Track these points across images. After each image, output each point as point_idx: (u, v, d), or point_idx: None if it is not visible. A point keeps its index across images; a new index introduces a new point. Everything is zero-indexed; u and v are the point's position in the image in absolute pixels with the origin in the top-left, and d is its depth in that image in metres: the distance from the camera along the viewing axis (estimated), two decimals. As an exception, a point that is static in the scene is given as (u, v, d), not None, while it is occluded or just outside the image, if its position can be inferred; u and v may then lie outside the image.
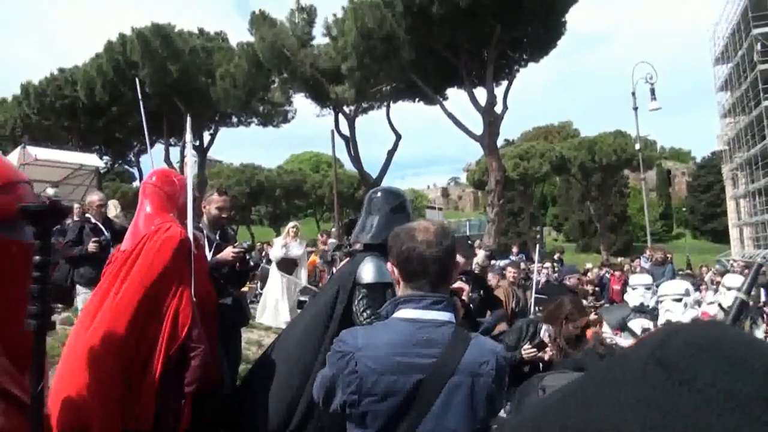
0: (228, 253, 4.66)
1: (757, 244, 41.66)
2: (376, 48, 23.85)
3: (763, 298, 14.19)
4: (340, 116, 31.07)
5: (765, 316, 12.87)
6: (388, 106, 31.67)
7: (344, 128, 31.04)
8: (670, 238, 67.96)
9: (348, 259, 4.30)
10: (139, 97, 5.41)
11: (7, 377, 1.62)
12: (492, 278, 8.62)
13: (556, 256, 20.28)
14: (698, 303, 5.86)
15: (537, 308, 8.78)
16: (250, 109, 34.27)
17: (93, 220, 7.72)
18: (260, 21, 28.83)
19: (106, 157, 38.90)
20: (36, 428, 1.61)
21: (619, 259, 25.59)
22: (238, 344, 5.15)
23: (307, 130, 51.16)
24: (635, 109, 22.39)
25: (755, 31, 37.43)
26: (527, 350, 4.65)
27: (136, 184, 44.73)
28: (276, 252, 11.21)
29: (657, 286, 6.11)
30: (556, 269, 16.71)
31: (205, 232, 4.88)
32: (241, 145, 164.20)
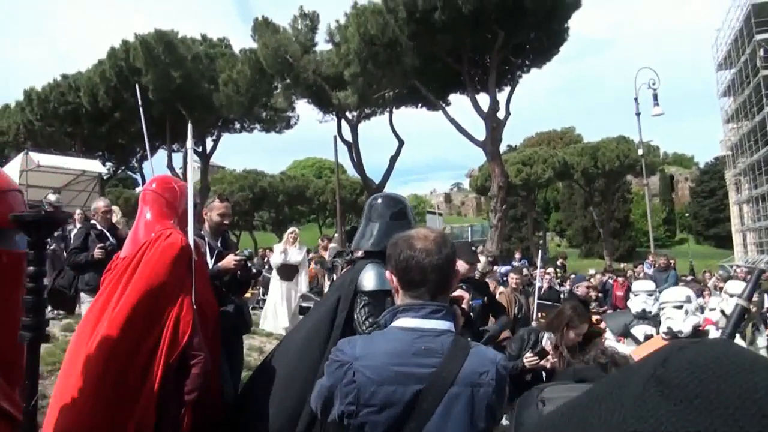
0: (229, 261, 4.65)
1: (761, 249, 41.57)
2: (379, 54, 23.91)
3: (767, 304, 14.17)
4: (343, 122, 31.14)
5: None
6: (391, 112, 31.76)
7: (347, 134, 31.16)
8: (673, 244, 67.80)
9: (349, 266, 4.28)
10: (139, 103, 5.42)
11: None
12: (489, 284, 8.59)
13: (558, 262, 20.27)
14: (701, 309, 5.83)
15: (539, 314, 8.75)
16: (253, 115, 34.34)
17: (98, 227, 7.65)
18: (263, 27, 28.90)
19: (109, 163, 38.89)
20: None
21: (622, 265, 25.57)
22: (240, 352, 5.14)
23: (309, 136, 51.17)
24: (638, 114, 22.40)
25: (758, 37, 37.43)
26: (529, 358, 4.63)
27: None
28: (275, 258, 11.21)
29: (660, 292, 6.08)
30: (558, 275, 16.71)
31: (206, 239, 4.87)
32: (244, 151, 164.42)
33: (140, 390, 3.27)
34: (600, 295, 14.70)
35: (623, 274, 15.99)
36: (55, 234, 10.80)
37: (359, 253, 3.95)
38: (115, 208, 9.03)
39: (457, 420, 1.90)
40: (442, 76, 27.18)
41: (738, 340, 3.68)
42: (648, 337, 5.85)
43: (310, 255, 12.71)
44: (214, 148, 37.81)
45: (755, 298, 13.81)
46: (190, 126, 4.09)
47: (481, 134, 26.43)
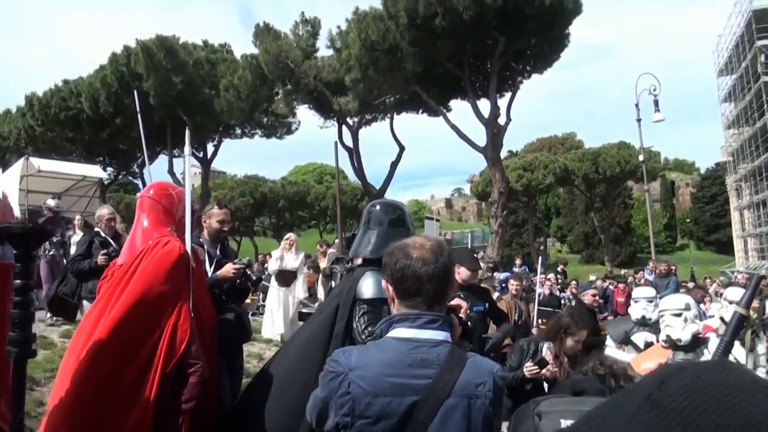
0: (228, 269, 4.62)
1: (762, 255, 41.54)
2: (380, 60, 23.92)
3: (768, 311, 14.13)
4: (344, 128, 31.14)
5: (770, 328, 12.80)
6: (392, 118, 31.72)
7: (348, 140, 31.12)
8: (674, 250, 67.76)
9: (348, 273, 4.25)
10: (138, 109, 5.40)
11: None
12: (487, 291, 8.57)
13: (559, 268, 20.24)
14: (702, 316, 5.81)
15: (540, 321, 8.73)
16: (254, 120, 34.31)
17: (102, 234, 7.59)
18: (264, 33, 28.91)
19: (110, 169, 38.92)
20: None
21: (623, 271, 25.52)
22: (241, 360, 5.12)
23: (310, 141, 51.15)
24: (639, 120, 22.39)
25: (759, 43, 37.47)
26: (529, 368, 4.60)
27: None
28: (272, 265, 11.21)
29: (660, 299, 6.07)
30: (559, 281, 16.67)
31: (205, 247, 4.85)
32: (245, 157, 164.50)
33: (135, 398, 3.25)
34: (601, 301, 14.68)
35: (624, 281, 15.94)
36: (54, 239, 10.80)
37: (358, 261, 3.92)
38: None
39: None
40: (443, 82, 27.20)
41: (737, 346, 3.66)
42: (648, 345, 5.84)
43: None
44: (215, 154, 37.83)
45: (756, 304, 13.77)
46: (187, 132, 4.08)
47: (481, 140, 26.45)
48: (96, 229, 7.84)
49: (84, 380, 3.16)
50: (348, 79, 25.34)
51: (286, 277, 10.91)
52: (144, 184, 39.16)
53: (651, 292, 6.89)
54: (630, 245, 62.48)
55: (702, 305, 10.96)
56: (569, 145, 75.81)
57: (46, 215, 11.38)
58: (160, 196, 3.81)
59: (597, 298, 9.16)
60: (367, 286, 3.52)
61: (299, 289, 10.96)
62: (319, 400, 1.95)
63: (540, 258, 11.38)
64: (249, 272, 4.85)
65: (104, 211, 8.06)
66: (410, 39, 23.43)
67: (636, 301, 6.68)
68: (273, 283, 11.03)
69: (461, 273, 6.01)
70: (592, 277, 19.58)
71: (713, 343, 4.20)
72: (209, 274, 4.67)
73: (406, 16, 22.84)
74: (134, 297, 3.35)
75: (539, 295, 9.62)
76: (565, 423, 1.91)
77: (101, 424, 3.19)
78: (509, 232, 50.22)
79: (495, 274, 14.00)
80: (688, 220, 72.43)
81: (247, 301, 10.88)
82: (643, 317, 6.39)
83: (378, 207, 3.89)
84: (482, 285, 7.49)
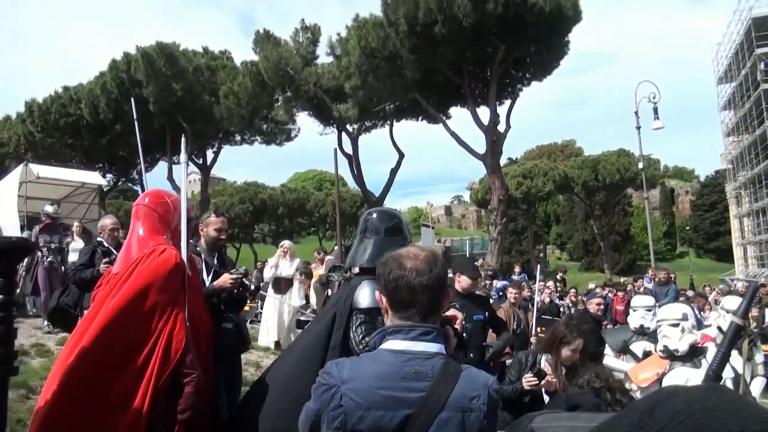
0: (225, 279, 4.59)
1: (762, 263, 41.52)
2: (380, 67, 23.93)
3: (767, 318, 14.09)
4: (344, 135, 31.17)
5: (770, 337, 12.75)
6: (391, 125, 31.78)
7: (347, 147, 31.15)
8: (673, 257, 67.76)
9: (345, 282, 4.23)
10: (135, 116, 5.39)
11: None
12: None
13: (558, 276, 20.20)
14: (702, 324, 5.79)
15: (538, 329, 8.70)
16: (254, 127, 34.33)
17: (105, 244, 7.51)
18: (264, 40, 28.93)
19: (109, 175, 38.90)
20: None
21: (622, 279, 25.49)
22: (239, 369, 5.10)
23: (310, 148, 51.24)
24: (638, 128, 22.38)
25: (759, 51, 37.53)
26: (528, 380, 4.59)
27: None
28: (267, 272, 11.23)
29: (660, 307, 6.06)
30: (558, 289, 16.64)
31: (202, 256, 4.82)
32: (245, 163, 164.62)
33: (127, 406, 3.22)
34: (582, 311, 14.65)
35: (623, 289, 15.91)
36: (52, 246, 10.79)
37: (356, 269, 3.90)
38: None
39: None
40: (443, 89, 27.22)
41: (735, 356, 3.64)
42: (646, 354, 5.82)
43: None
44: (214, 160, 37.84)
45: (755, 313, 13.74)
46: (183, 140, 4.07)
47: (481, 147, 26.46)
48: (99, 239, 7.77)
49: (70, 384, 3.13)
50: (348, 86, 25.36)
51: (281, 285, 10.92)
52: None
53: (649, 301, 6.87)
54: (629, 253, 62.51)
55: (702, 314, 10.95)
56: (569, 153, 75.89)
57: (44, 221, 11.37)
58: (156, 204, 3.79)
59: (601, 306, 9.12)
60: (364, 296, 3.50)
61: (294, 296, 10.95)
62: (311, 412, 1.92)
63: (539, 266, 11.33)
64: (246, 281, 4.83)
65: (107, 221, 8.01)
66: (410, 46, 23.45)
67: (634, 310, 6.66)
68: (269, 290, 11.04)
69: (462, 281, 6.01)
70: (591, 285, 19.54)
71: (711, 352, 4.18)
72: (207, 283, 4.65)
73: (406, 24, 22.86)
74: (124, 302, 3.33)
75: (538, 303, 9.59)
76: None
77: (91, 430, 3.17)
78: (509, 240, 50.20)
79: (494, 282, 13.99)
80: (687, 228, 72.46)
81: (246, 308, 10.91)
82: (642, 326, 6.37)
83: (375, 215, 3.87)
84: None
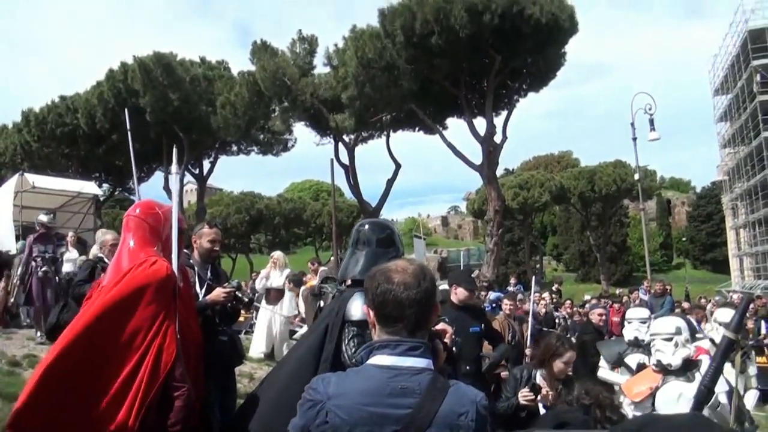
0: (218, 293, 4.56)
1: (758, 274, 41.56)
2: (376, 77, 23.96)
3: (764, 331, 14.11)
4: (340, 145, 31.16)
5: (766, 349, 12.74)
6: (388, 136, 31.78)
7: (344, 157, 31.13)
8: (670, 268, 67.77)
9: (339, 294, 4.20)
10: (128, 126, 5.38)
11: None
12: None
13: (554, 287, 20.19)
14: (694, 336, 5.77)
15: (534, 341, 8.66)
16: (251, 137, 34.34)
17: (106, 260, 7.41)
18: (261, 50, 28.95)
19: (105, 185, 38.85)
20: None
21: (618, 291, 25.48)
22: (233, 382, 5.06)
23: (307, 158, 51.17)
24: (634, 139, 22.39)
25: (755, 63, 37.70)
26: (524, 395, 4.57)
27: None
28: (258, 283, 11.25)
29: (654, 318, 6.05)
30: (554, 300, 16.61)
31: (195, 269, 4.79)
32: (241, 173, 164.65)
33: (112, 418, 3.17)
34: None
35: (619, 300, 15.89)
36: (47, 256, 10.73)
37: (348, 282, 3.87)
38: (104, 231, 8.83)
39: None
40: (440, 100, 27.26)
41: (728, 368, 3.63)
42: (641, 366, 5.79)
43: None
44: (211, 170, 37.89)
45: (751, 324, 13.69)
46: (175, 151, 4.06)
47: (477, 158, 26.48)
48: (99, 254, 7.69)
49: (49, 381, 3.10)
50: (344, 96, 25.38)
51: (271, 296, 10.93)
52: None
53: (644, 313, 6.85)
54: (626, 264, 62.51)
55: (701, 325, 10.92)
56: (565, 164, 75.97)
57: (38, 231, 11.32)
58: (147, 215, 3.76)
59: (603, 317, 9.08)
60: (356, 308, 3.46)
61: (285, 306, 10.94)
62: (297, 429, 1.89)
63: (534, 277, 11.29)
64: (239, 294, 4.80)
65: (108, 237, 7.90)
66: (407, 57, 23.50)
67: (629, 322, 6.65)
68: (262, 302, 11.05)
69: (458, 293, 5.99)
70: (587, 297, 19.54)
71: (705, 366, 4.16)
72: (200, 296, 4.62)
73: (403, 35, 22.92)
74: (107, 305, 3.30)
75: (534, 314, 9.56)
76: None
77: None
78: (505, 251, 50.14)
79: (489, 293, 13.94)
80: (683, 239, 72.49)
81: (240, 319, 10.88)
82: (636, 338, 6.35)
83: (367, 227, 3.85)
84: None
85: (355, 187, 31.55)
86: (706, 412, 3.37)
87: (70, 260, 10.75)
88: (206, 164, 37.74)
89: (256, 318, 12.58)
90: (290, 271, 11.30)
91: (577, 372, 6.17)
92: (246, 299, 4.90)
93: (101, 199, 31.11)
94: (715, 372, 2.73)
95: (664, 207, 78.30)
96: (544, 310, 13.45)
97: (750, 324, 14.21)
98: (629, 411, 4.54)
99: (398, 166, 31.69)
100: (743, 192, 42.55)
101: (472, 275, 8.15)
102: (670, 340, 4.29)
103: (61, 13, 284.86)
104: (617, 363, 6.46)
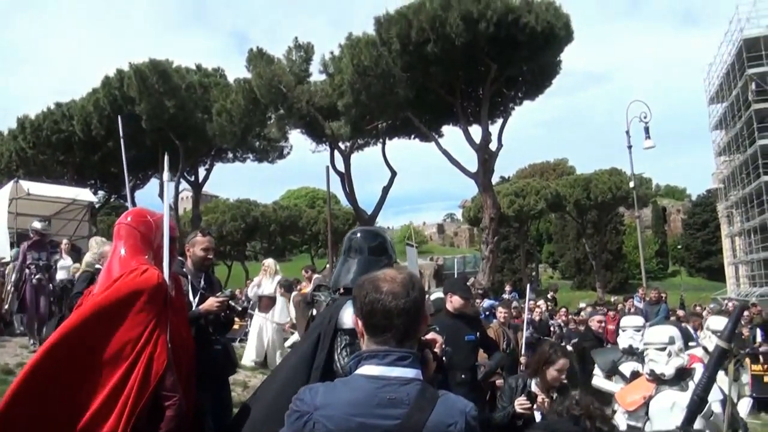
0: (211, 303, 4.54)
1: (753, 282, 41.61)
2: (372, 85, 24.00)
3: (759, 338, 14.11)
4: (336, 152, 31.17)
5: (761, 357, 12.73)
6: (384, 143, 31.83)
7: (340, 164, 31.18)
8: (665, 276, 67.77)
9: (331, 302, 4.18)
10: (121, 134, 5.38)
11: None
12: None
13: (549, 295, 20.16)
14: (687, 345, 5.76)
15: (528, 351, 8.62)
16: (246, 144, 34.36)
17: None
18: (258, 58, 29.01)
19: (101, 192, 38.77)
20: None
21: (613, 298, 25.47)
22: (227, 391, 5.03)
23: (302, 165, 51.44)
24: (629, 147, 22.42)
25: (750, 71, 37.81)
26: (521, 403, 4.56)
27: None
28: (250, 291, 11.27)
29: (649, 326, 6.04)
30: (549, 307, 16.58)
31: (189, 278, 4.77)
32: (237, 181, 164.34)
33: (100, 428, 3.14)
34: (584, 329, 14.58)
35: (614, 308, 15.86)
36: (40, 263, 10.70)
37: (341, 289, 3.86)
38: (97, 239, 8.79)
39: None
40: (435, 108, 27.34)
41: (722, 376, 3.63)
42: (634, 374, 5.79)
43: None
44: (206, 178, 37.91)
45: (746, 332, 13.68)
46: (166, 159, 4.04)
47: (473, 165, 26.54)
48: (97, 266, 7.66)
49: (32, 383, 3.07)
50: (340, 104, 25.42)
51: (263, 303, 10.95)
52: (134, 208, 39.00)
53: (638, 321, 6.85)
54: (622, 271, 62.51)
55: (698, 333, 10.91)
56: (561, 171, 76.06)
57: (32, 238, 11.29)
58: (138, 223, 3.74)
59: (602, 324, 9.05)
60: (349, 316, 3.43)
61: (277, 313, 10.93)
62: None
63: (529, 284, 11.28)
64: (233, 303, 4.78)
65: (106, 248, 7.84)
66: (403, 65, 23.58)
67: (623, 330, 6.64)
68: (256, 309, 11.08)
69: (453, 301, 5.98)
70: (582, 304, 19.50)
71: (699, 374, 4.16)
72: (193, 305, 4.60)
73: (399, 42, 23.00)
74: (93, 309, 3.28)
75: (528, 322, 9.52)
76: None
77: None
78: (501, 258, 50.18)
79: (485, 300, 13.92)
80: (679, 247, 72.52)
81: (235, 326, 10.87)
82: (630, 346, 6.35)
83: (358, 234, 3.83)
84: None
85: (350, 195, 31.57)
86: (699, 422, 3.37)
87: (64, 267, 10.72)
88: (202, 171, 37.81)
89: (250, 326, 12.61)
90: (281, 277, 11.30)
91: (574, 379, 6.17)
92: (239, 308, 4.88)
93: (96, 206, 31.05)
94: (708, 382, 2.72)
95: (660, 215, 78.27)
96: (538, 318, 13.42)
97: (745, 332, 14.21)
98: (623, 420, 4.53)
99: (394, 173, 31.73)
100: (738, 200, 42.64)
101: (468, 283, 8.14)
102: (663, 349, 4.28)
103: (57, 20, 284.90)
104: (612, 371, 6.46)
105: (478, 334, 6.16)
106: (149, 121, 30.18)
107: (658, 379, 4.31)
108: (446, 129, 30.15)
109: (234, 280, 41.69)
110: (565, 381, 4.93)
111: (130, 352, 3.24)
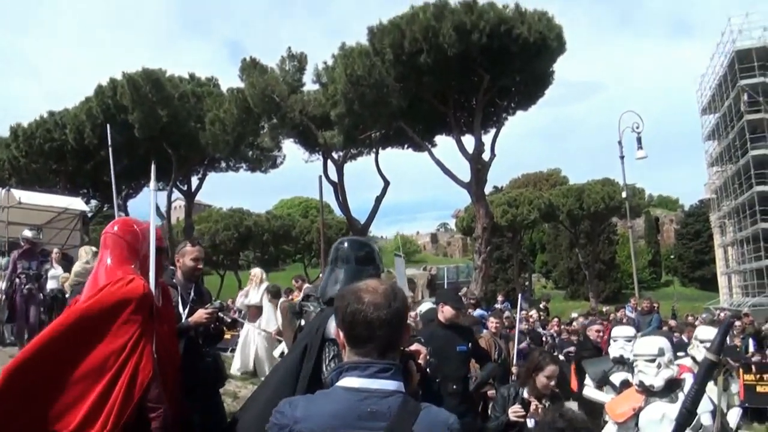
0: (201, 315, 4.51)
1: (746, 292, 41.74)
2: (365, 95, 24.01)
3: (751, 348, 14.15)
4: (329, 162, 31.17)
5: (753, 366, 12.76)
6: (377, 153, 31.84)
7: (333, 174, 31.15)
8: (658, 286, 67.82)
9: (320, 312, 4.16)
10: (109, 142, 5.35)
11: None
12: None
13: (541, 305, 20.16)
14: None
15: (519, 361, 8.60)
16: (239, 154, 34.36)
17: None
18: (251, 67, 29.00)
19: (93, 201, 38.66)
20: None
21: (605, 308, 25.50)
22: (217, 402, 4.99)
23: (295, 175, 51.26)
24: (622, 157, 22.49)
25: (742, 82, 38.04)
26: (515, 411, 4.55)
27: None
28: (238, 302, 11.26)
29: (640, 336, 6.04)
30: (541, 317, 16.59)
31: (178, 288, 4.73)
32: (230, 190, 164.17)
33: None
34: (581, 339, 14.56)
35: (606, 318, 15.87)
36: (31, 273, 10.65)
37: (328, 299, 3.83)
38: (87, 248, 8.77)
39: None
40: (428, 118, 27.38)
41: (711, 387, 3.61)
42: (624, 383, 5.78)
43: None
44: (199, 187, 37.87)
45: (739, 342, 13.71)
46: (153, 167, 4.04)
47: (466, 175, 26.58)
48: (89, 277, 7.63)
49: (9, 386, 3.03)
50: (333, 113, 25.41)
51: (252, 313, 11.00)
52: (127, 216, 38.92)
53: (629, 331, 6.85)
54: (614, 281, 62.58)
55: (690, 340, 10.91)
56: (554, 181, 76.17)
57: (23, 247, 11.24)
58: (125, 233, 3.71)
59: (600, 333, 9.02)
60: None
61: (264, 321, 10.91)
62: None
63: (521, 294, 11.25)
64: (222, 315, 4.76)
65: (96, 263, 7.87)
66: (396, 75, 23.63)
67: (614, 340, 6.63)
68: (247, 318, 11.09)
69: (445, 311, 5.97)
70: (574, 314, 19.52)
71: (688, 385, 4.15)
72: (183, 316, 4.57)
73: (392, 53, 23.06)
74: (75, 316, 3.24)
75: (520, 332, 9.50)
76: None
77: None
78: (494, 268, 50.17)
79: (477, 310, 13.90)
80: (672, 257, 72.65)
81: (227, 336, 10.83)
82: (621, 356, 6.34)
83: (345, 244, 3.81)
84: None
85: (343, 204, 31.55)
86: (687, 433, 3.34)
87: (55, 277, 10.66)
88: (195, 181, 37.79)
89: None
90: (267, 284, 11.29)
91: (565, 388, 6.15)
92: (229, 320, 4.85)
93: (89, 215, 30.98)
94: (696, 395, 2.70)
95: (653, 225, 78.34)
96: (529, 328, 13.41)
97: (738, 342, 14.23)
98: (613, 431, 4.52)
99: (387, 183, 31.73)
100: (731, 210, 42.83)
101: (460, 293, 8.13)
102: (652, 361, 4.27)
103: (49, 27, 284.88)
104: (603, 381, 6.44)
105: (469, 344, 6.15)
106: (142, 130, 30.13)
107: (647, 391, 4.29)
108: (439, 139, 30.26)
109: (227, 290, 41.55)
110: (557, 389, 4.92)
111: (114, 363, 3.20)
